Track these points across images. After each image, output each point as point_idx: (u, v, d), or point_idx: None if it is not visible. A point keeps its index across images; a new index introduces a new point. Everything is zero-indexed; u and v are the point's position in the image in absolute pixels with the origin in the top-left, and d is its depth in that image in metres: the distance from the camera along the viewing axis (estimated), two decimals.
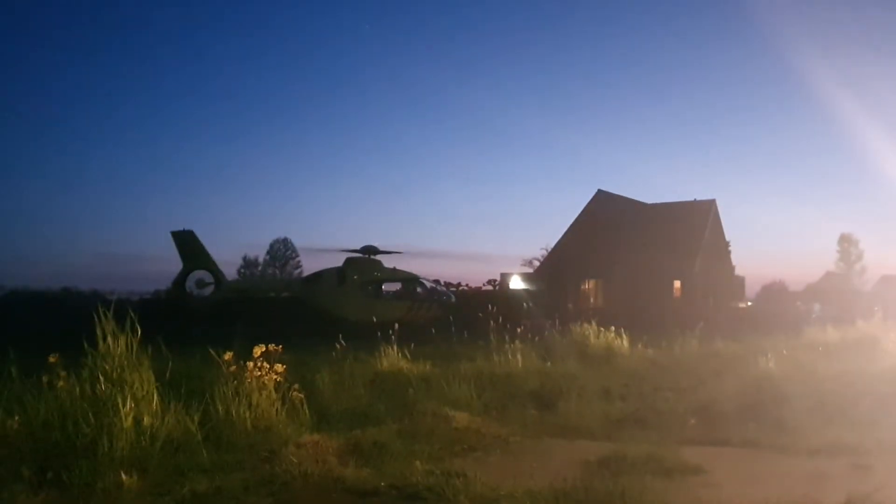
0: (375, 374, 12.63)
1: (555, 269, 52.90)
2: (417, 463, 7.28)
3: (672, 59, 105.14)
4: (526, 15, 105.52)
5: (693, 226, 52.86)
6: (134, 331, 8.02)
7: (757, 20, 76.37)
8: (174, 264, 38.15)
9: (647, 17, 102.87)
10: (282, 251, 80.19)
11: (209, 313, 35.21)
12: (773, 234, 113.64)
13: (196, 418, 7.95)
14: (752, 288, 62.59)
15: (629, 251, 49.37)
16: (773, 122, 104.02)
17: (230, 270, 41.85)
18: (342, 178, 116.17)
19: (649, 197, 59.22)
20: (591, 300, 51.97)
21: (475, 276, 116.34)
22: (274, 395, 8.83)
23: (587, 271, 52.35)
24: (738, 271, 60.86)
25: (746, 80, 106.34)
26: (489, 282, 54.22)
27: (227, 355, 8.82)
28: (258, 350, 8.93)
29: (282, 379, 8.98)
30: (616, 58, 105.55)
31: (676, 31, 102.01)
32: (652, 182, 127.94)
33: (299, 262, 78.90)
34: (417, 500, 6.54)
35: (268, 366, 8.88)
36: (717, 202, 56.63)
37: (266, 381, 8.79)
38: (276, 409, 8.77)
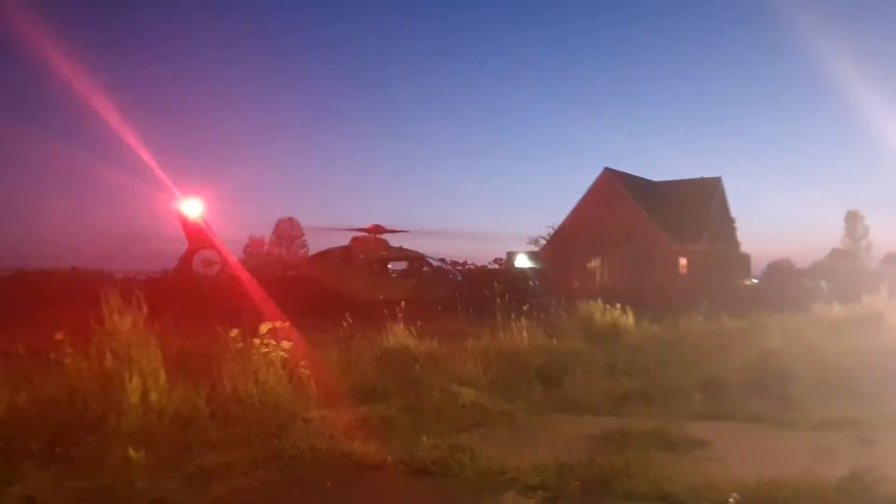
0: (382, 351, 12.64)
1: (561, 247, 52.97)
2: (424, 438, 7.33)
3: (679, 37, 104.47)
4: None
5: (699, 203, 52.86)
6: (140, 308, 8.08)
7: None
8: (180, 243, 38.19)
9: None
10: (287, 230, 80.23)
11: (216, 292, 35.30)
12: (779, 212, 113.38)
13: (203, 395, 8.02)
14: (757, 265, 62.40)
15: (635, 229, 49.37)
16: (779, 99, 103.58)
17: (236, 249, 41.97)
18: (348, 157, 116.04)
19: (656, 174, 59.07)
20: (597, 278, 52.04)
21: (481, 254, 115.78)
22: (281, 371, 8.88)
23: (593, 249, 52.39)
24: (744, 249, 60.89)
25: (753, 57, 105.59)
26: (495, 260, 54.22)
27: (234, 332, 8.87)
28: (265, 327, 8.98)
29: (289, 356, 9.03)
30: (623, 36, 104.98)
31: (683, 10, 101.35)
32: (658, 160, 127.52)
33: (305, 241, 78.94)
34: (424, 474, 6.60)
35: (275, 343, 8.93)
36: (723, 180, 56.64)
37: (273, 358, 8.84)
38: (284, 386, 8.82)
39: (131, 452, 6.61)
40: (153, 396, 7.52)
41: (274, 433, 7.60)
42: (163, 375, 7.78)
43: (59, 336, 7.78)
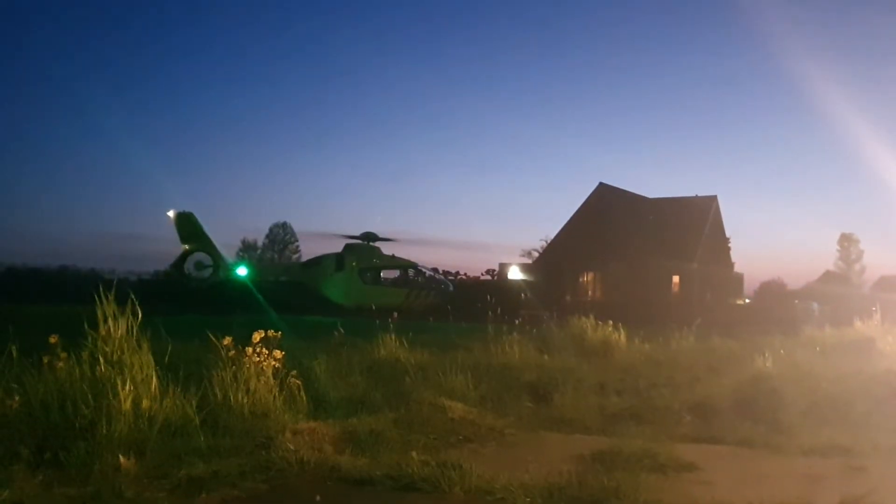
0: (373, 361, 12.64)
1: (554, 261, 52.96)
2: (413, 453, 7.29)
3: (676, 56, 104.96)
4: (530, 8, 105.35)
5: (694, 221, 52.95)
6: (134, 313, 8.04)
7: (759, 21, 76.23)
8: (174, 245, 38.16)
9: (652, 14, 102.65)
10: (281, 235, 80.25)
11: (207, 296, 35.26)
12: (773, 232, 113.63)
13: (194, 402, 7.97)
14: (750, 285, 62.73)
15: (629, 245, 49.41)
16: (776, 121, 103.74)
17: (229, 253, 41.92)
18: (343, 164, 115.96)
19: (651, 191, 59.27)
20: (590, 293, 52.06)
21: (474, 265, 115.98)
22: (272, 381, 8.83)
23: (586, 264, 52.39)
24: (738, 268, 61.08)
25: (750, 79, 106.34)
26: (488, 271, 54.46)
27: (227, 340, 8.83)
28: (257, 335, 8.94)
29: (280, 365, 9.00)
30: (621, 53, 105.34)
31: (680, 30, 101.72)
32: (654, 177, 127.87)
33: (298, 246, 78.96)
34: (412, 490, 6.56)
35: (266, 351, 8.89)
36: (719, 199, 56.76)
37: (264, 367, 8.79)
38: (274, 396, 8.78)
39: (121, 459, 6.58)
40: (144, 403, 7.47)
41: (263, 444, 7.56)
42: (154, 382, 7.73)
43: (52, 339, 7.73)
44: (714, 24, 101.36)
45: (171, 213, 37.86)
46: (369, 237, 38.99)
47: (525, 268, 54.01)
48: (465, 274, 51.27)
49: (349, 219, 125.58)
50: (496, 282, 48.62)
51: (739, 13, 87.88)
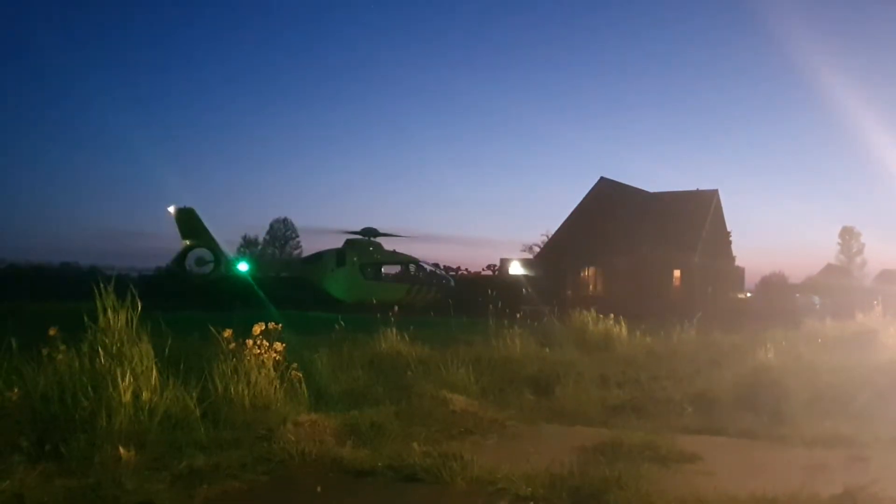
0: (374, 355, 12.62)
1: (555, 256, 52.95)
2: (415, 445, 7.29)
3: (678, 50, 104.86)
4: (531, 4, 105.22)
5: (695, 215, 52.92)
6: (134, 306, 8.02)
7: (762, 14, 76.24)
8: (175, 241, 38.11)
9: (654, 7, 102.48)
10: (282, 231, 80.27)
11: (208, 291, 35.23)
12: (775, 226, 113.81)
13: (194, 395, 7.94)
14: (751, 279, 62.61)
15: (630, 239, 49.39)
16: (777, 114, 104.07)
17: (230, 249, 41.83)
18: (344, 160, 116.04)
19: (652, 185, 59.05)
20: (591, 287, 52.06)
21: (475, 260, 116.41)
22: (273, 373, 8.80)
23: (587, 258, 52.38)
24: (739, 262, 61.08)
25: (751, 72, 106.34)
26: (489, 267, 54.48)
27: (227, 332, 8.81)
28: (258, 328, 8.91)
29: (281, 358, 8.97)
30: (622, 47, 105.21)
31: (682, 23, 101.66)
32: (655, 171, 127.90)
33: (299, 242, 79.05)
34: (414, 481, 6.56)
35: (267, 344, 8.86)
36: (720, 193, 56.72)
37: (265, 360, 8.76)
38: (275, 388, 8.75)
39: (121, 451, 6.55)
40: (144, 395, 7.45)
41: (264, 436, 7.55)
42: (155, 374, 7.71)
43: (52, 331, 7.71)
44: (716, 18, 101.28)
45: (171, 209, 37.76)
46: (370, 233, 38.97)
47: (526, 263, 54.02)
48: (467, 269, 51.33)
49: (350, 214, 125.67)
50: (497, 277, 48.59)
51: (743, 7, 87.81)
